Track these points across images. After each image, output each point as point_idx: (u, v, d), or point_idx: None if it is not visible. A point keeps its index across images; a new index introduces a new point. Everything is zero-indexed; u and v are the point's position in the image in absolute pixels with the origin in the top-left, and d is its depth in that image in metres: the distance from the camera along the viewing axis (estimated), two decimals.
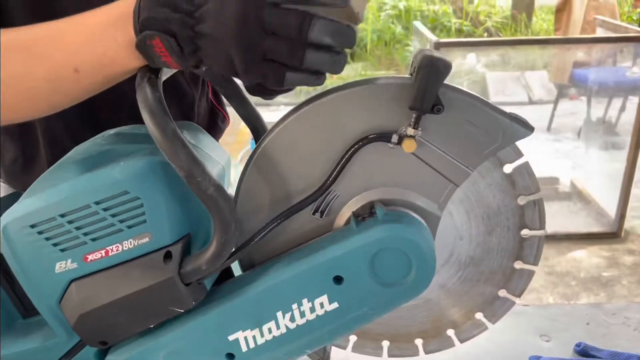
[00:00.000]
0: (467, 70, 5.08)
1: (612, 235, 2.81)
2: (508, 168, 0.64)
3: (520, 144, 0.64)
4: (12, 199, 0.68)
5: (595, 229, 2.87)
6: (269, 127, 0.66)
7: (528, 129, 0.62)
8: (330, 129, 0.63)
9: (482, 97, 0.61)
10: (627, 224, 2.88)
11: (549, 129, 4.41)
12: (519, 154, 0.64)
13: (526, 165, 0.64)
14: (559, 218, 2.97)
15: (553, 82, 4.55)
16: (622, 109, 3.81)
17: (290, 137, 0.63)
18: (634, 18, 6.96)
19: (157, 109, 0.54)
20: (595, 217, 2.97)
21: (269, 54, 0.51)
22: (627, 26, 3.03)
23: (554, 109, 4.40)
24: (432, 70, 0.57)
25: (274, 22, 0.50)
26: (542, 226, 0.67)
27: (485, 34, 6.43)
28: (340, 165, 0.63)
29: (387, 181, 0.64)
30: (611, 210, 2.85)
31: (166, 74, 0.61)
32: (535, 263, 0.68)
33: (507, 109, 0.63)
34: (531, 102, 5.16)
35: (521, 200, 0.65)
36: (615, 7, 4.24)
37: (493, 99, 5.16)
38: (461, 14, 6.46)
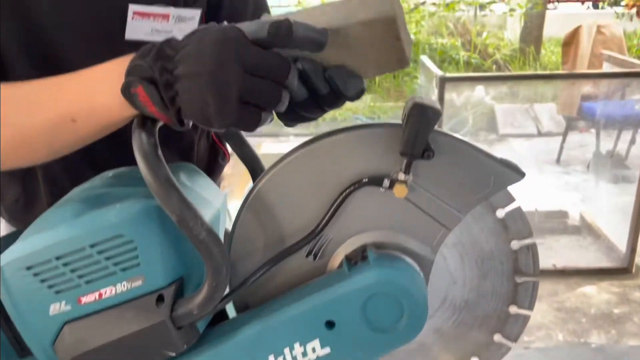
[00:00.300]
0: (475, 102, 5.11)
1: (623, 270, 2.77)
2: (500, 213, 0.64)
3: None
4: (12, 238, 0.69)
5: (605, 264, 2.82)
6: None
7: (519, 174, 0.62)
8: (323, 172, 0.64)
9: (472, 143, 0.62)
10: (638, 259, 2.83)
11: (558, 161, 4.40)
12: (510, 198, 0.64)
13: (518, 210, 0.65)
14: (568, 252, 2.93)
15: (561, 114, 4.56)
16: (632, 141, 3.80)
17: (284, 181, 0.64)
18: None
19: (150, 155, 0.55)
20: (606, 251, 2.93)
21: (245, 96, 0.51)
22: (634, 61, 3.04)
23: (563, 141, 4.39)
24: (421, 118, 0.59)
25: (255, 63, 0.50)
26: (536, 271, 0.67)
27: (494, 67, 6.48)
28: (332, 209, 0.64)
29: (380, 224, 0.65)
30: (622, 245, 2.81)
31: None
32: (531, 308, 0.68)
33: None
34: (540, 134, 5.15)
35: (514, 245, 0.65)
36: (622, 41, 4.26)
37: (502, 131, 5.18)
38: (470, 46, 6.53)
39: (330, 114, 5.61)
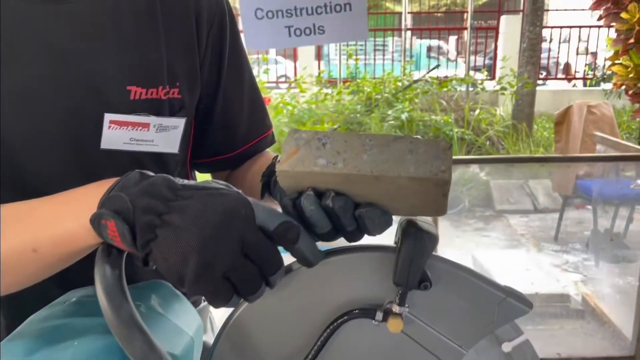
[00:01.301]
0: (470, 178, 5.12)
1: (630, 359, 2.64)
2: (507, 347, 0.58)
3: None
4: None
5: (611, 352, 2.70)
6: None
7: (527, 305, 0.56)
8: (310, 300, 0.58)
9: (473, 270, 0.56)
10: None
11: (556, 239, 4.33)
12: (518, 331, 0.58)
13: (526, 344, 0.58)
14: (572, 339, 2.81)
15: (557, 192, 4.55)
16: (630, 220, 3.75)
17: (264, 308, 0.58)
18: (633, 127, 7.11)
19: (113, 290, 0.49)
20: (611, 339, 2.81)
21: (229, 274, 0.47)
22: (627, 144, 3.06)
23: (560, 218, 4.35)
24: (416, 244, 0.53)
25: (253, 248, 0.48)
26: None
27: (487, 143, 6.55)
28: (320, 342, 0.57)
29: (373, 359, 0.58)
30: (627, 331, 2.70)
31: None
32: None
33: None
34: (537, 210, 5.12)
35: None
36: (613, 120, 4.32)
37: (498, 207, 5.15)
38: (463, 122, 6.63)
39: None
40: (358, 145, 0.50)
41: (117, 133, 0.69)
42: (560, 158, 3.49)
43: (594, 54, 9.56)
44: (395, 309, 0.54)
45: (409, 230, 0.53)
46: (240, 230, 0.47)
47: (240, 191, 0.51)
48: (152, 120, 0.70)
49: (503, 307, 0.56)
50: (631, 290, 2.69)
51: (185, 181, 0.51)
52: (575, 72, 10.20)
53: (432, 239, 0.53)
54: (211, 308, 0.92)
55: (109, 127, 0.68)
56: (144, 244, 0.48)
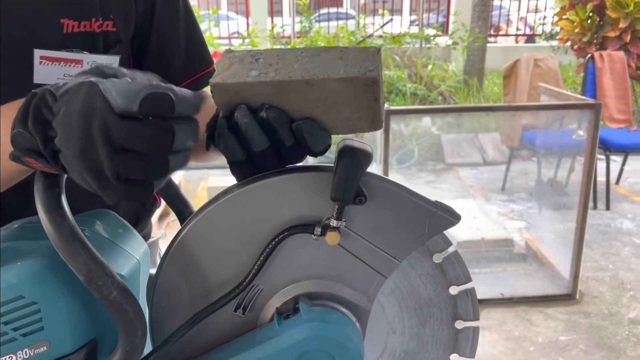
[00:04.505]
0: (422, 132, 5.21)
1: (568, 297, 2.82)
2: (437, 257, 0.62)
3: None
4: None
5: (550, 291, 2.87)
6: None
7: (455, 218, 0.60)
8: (252, 219, 0.60)
9: (406, 186, 0.60)
10: (582, 285, 2.90)
11: (503, 189, 4.51)
12: (447, 242, 0.62)
13: (456, 254, 0.62)
14: (515, 280, 2.97)
15: (505, 144, 4.70)
16: (571, 169, 3.94)
17: (208, 230, 0.60)
18: (577, 82, 7.36)
19: (52, 206, 0.50)
20: (551, 278, 2.99)
21: (121, 175, 0.47)
22: (569, 94, 3.17)
23: (507, 169, 4.51)
24: (352, 161, 0.56)
25: (122, 140, 0.45)
26: (475, 316, 0.64)
27: (440, 98, 6.66)
28: (262, 258, 0.59)
29: (312, 274, 0.61)
30: (565, 271, 2.87)
31: None
32: (472, 355, 0.65)
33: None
34: (485, 163, 5.28)
35: (453, 290, 0.63)
36: (558, 74, 4.46)
37: (449, 160, 5.28)
38: (416, 78, 6.69)
39: None
40: (290, 57, 0.52)
41: (49, 69, 0.68)
42: (507, 107, 3.59)
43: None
44: (333, 223, 0.57)
45: (345, 148, 0.56)
46: (101, 129, 0.45)
47: (92, 79, 0.47)
48: (85, 57, 0.69)
49: (433, 219, 0.59)
50: (570, 235, 2.85)
51: (65, 86, 0.48)
52: (519, 28, 10.37)
53: (366, 156, 0.56)
54: (160, 243, 0.93)
55: (40, 62, 0.68)
56: (62, 168, 0.49)
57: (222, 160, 0.63)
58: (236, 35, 9.18)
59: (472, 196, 4.43)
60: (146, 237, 0.90)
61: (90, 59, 0.70)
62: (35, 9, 0.70)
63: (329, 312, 0.59)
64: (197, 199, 4.36)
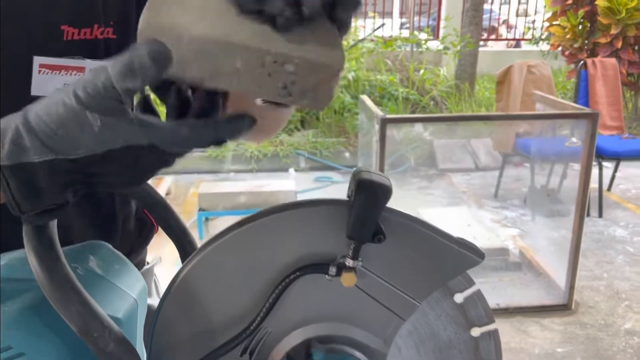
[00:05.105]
0: (414, 138, 5.18)
1: (564, 307, 2.80)
2: (459, 297, 0.58)
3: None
4: None
5: (546, 301, 2.85)
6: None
7: (479, 256, 0.56)
8: (260, 257, 0.55)
9: (427, 222, 0.55)
10: (577, 295, 2.88)
11: (496, 195, 4.50)
12: (470, 282, 0.58)
13: (478, 294, 0.58)
14: (511, 290, 2.95)
15: (497, 150, 4.68)
16: (564, 176, 3.93)
17: (213, 267, 0.55)
18: (568, 87, 7.38)
19: (43, 247, 0.45)
20: (546, 288, 2.97)
21: None
22: (565, 102, 3.16)
23: (500, 175, 4.50)
24: (370, 197, 0.51)
25: None
26: (498, 358, 0.60)
27: (432, 102, 6.64)
28: (271, 300, 0.55)
29: (326, 316, 0.57)
30: (561, 281, 2.85)
31: None
32: None
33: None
34: (478, 168, 5.28)
35: (474, 332, 0.59)
36: (551, 80, 4.46)
37: (441, 166, 5.27)
38: (408, 82, 6.67)
39: (271, 150, 5.53)
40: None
41: (49, 78, 0.63)
42: (502, 116, 3.58)
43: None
44: (349, 262, 0.53)
45: (363, 182, 0.51)
46: None
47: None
48: (88, 64, 0.65)
49: (455, 258, 0.55)
50: (565, 243, 2.83)
51: None
52: (509, 30, 10.38)
53: (385, 191, 0.52)
54: (156, 270, 0.88)
55: (39, 71, 0.62)
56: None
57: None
58: None
59: (464, 202, 4.41)
60: (141, 263, 0.85)
61: (92, 66, 0.66)
62: (35, 15, 0.65)
63: (345, 358, 0.55)
64: (187, 205, 4.29)
